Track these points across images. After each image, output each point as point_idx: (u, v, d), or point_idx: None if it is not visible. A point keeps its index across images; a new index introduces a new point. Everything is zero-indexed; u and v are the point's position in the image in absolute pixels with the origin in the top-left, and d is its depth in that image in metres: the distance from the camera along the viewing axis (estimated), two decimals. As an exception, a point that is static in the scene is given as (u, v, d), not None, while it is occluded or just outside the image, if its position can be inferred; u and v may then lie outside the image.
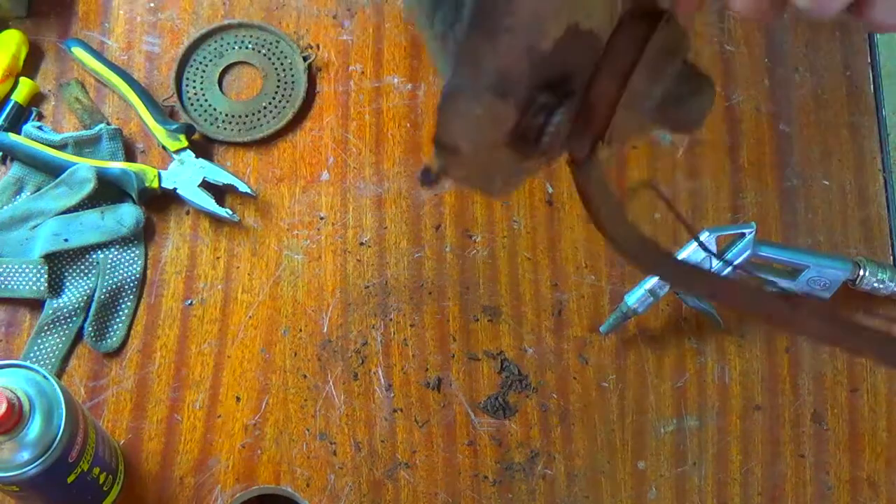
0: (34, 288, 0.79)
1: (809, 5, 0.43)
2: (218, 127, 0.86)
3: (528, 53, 0.44)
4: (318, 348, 0.81)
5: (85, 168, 0.81)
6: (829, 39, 0.91)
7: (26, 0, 0.88)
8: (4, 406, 0.60)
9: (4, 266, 0.80)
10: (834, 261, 0.79)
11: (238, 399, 0.79)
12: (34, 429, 0.62)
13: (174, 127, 0.83)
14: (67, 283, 0.81)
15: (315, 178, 0.85)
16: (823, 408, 0.81)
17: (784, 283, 0.79)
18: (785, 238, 0.85)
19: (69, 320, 0.80)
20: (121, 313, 0.80)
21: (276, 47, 0.88)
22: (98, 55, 0.86)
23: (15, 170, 0.83)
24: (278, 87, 0.87)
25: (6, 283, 0.80)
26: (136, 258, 0.82)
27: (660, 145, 0.87)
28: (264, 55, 0.88)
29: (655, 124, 0.51)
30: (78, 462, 0.65)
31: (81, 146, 0.83)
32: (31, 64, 0.87)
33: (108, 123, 0.85)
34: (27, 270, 0.80)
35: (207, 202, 0.82)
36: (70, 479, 0.66)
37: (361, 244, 0.83)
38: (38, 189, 0.83)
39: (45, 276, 0.79)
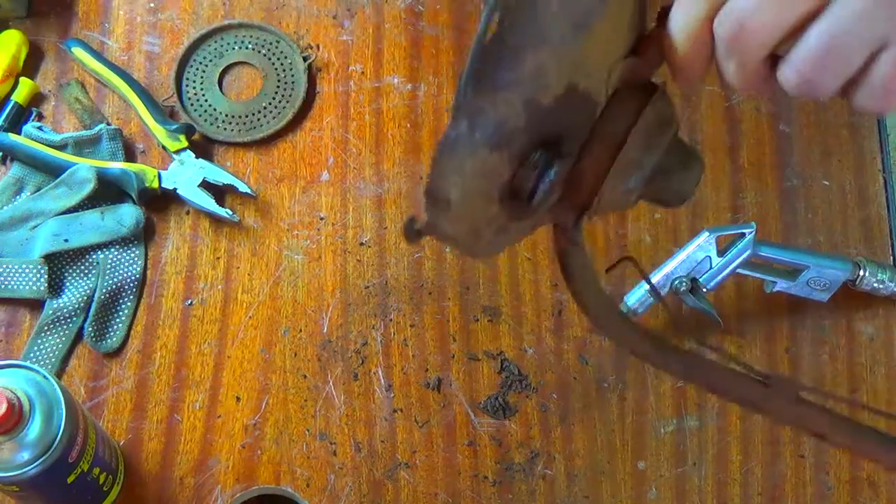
0: (34, 288, 0.79)
1: (800, 91, 0.44)
2: (218, 127, 0.86)
3: (526, 108, 0.45)
4: (318, 348, 0.81)
5: (85, 168, 0.81)
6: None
7: (26, 0, 0.88)
8: (4, 406, 0.60)
9: (4, 266, 0.80)
10: (834, 261, 0.79)
11: (238, 399, 0.79)
12: (34, 429, 0.62)
13: (174, 127, 0.83)
14: (67, 284, 0.81)
15: (315, 178, 0.85)
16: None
17: (784, 284, 0.79)
18: (785, 238, 0.85)
19: (69, 320, 0.80)
20: (121, 313, 0.80)
21: (276, 47, 0.88)
22: (98, 55, 0.86)
23: (15, 170, 0.83)
24: (278, 87, 0.87)
25: (6, 283, 0.80)
26: (136, 258, 0.82)
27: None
28: (264, 55, 0.88)
29: (643, 197, 0.51)
30: (78, 462, 0.65)
31: (81, 146, 0.83)
32: (31, 64, 0.87)
33: (108, 123, 0.85)
34: (27, 270, 0.80)
35: (207, 202, 0.82)
36: (70, 480, 0.66)
37: (361, 244, 0.83)
38: (38, 189, 0.83)
39: (45, 276, 0.79)
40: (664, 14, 0.48)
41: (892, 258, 0.86)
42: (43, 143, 0.83)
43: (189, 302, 0.81)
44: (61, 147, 0.83)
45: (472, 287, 0.82)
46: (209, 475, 0.77)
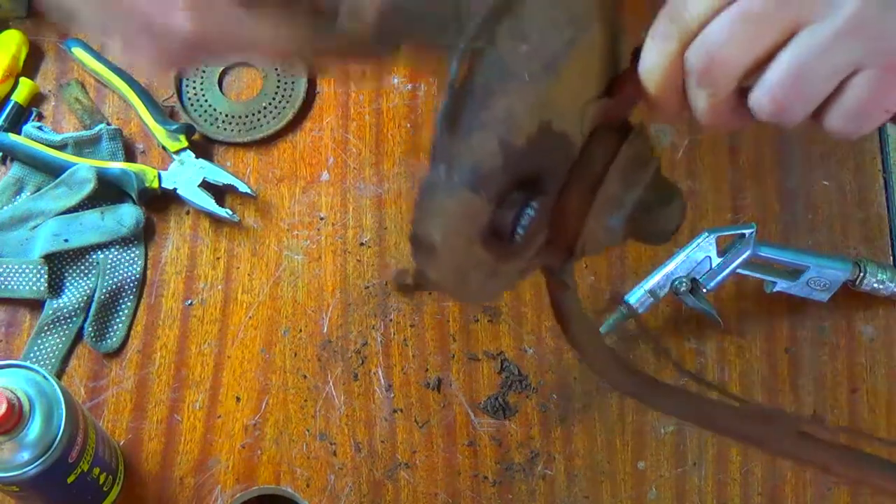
0: (34, 288, 0.79)
1: (772, 116, 0.45)
2: (218, 127, 0.86)
3: (502, 149, 0.45)
4: (318, 348, 0.81)
5: (85, 168, 0.81)
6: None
7: (26, 0, 0.88)
8: (4, 406, 0.60)
9: (4, 266, 0.80)
10: (834, 261, 0.79)
11: (238, 399, 0.79)
12: (34, 429, 0.62)
13: (174, 127, 0.83)
14: (67, 284, 0.81)
15: (315, 178, 0.85)
16: (823, 408, 0.81)
17: (784, 284, 0.79)
18: (785, 238, 0.85)
19: (69, 320, 0.80)
20: (121, 313, 0.80)
21: (276, 47, 0.88)
22: (98, 55, 0.86)
23: (15, 170, 0.83)
24: (278, 87, 0.87)
25: (6, 283, 0.80)
26: (136, 258, 0.82)
27: (659, 145, 0.87)
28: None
29: (628, 236, 0.51)
30: (78, 462, 0.65)
31: (81, 146, 0.83)
32: (31, 64, 0.87)
33: (108, 124, 0.85)
34: (27, 270, 0.80)
35: (207, 202, 0.82)
36: (70, 480, 0.66)
37: (361, 244, 0.83)
38: (38, 189, 0.83)
39: (45, 276, 0.79)
40: (636, 54, 0.49)
41: (892, 258, 0.86)
42: (43, 143, 0.83)
43: (189, 302, 0.81)
44: (61, 147, 0.83)
45: (472, 287, 0.82)
46: (209, 475, 0.77)
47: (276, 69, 0.87)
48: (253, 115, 0.86)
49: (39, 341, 0.79)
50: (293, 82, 0.87)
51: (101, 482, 0.71)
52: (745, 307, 0.83)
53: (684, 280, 0.77)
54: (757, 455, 0.79)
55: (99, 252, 0.81)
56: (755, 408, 0.53)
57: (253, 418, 0.79)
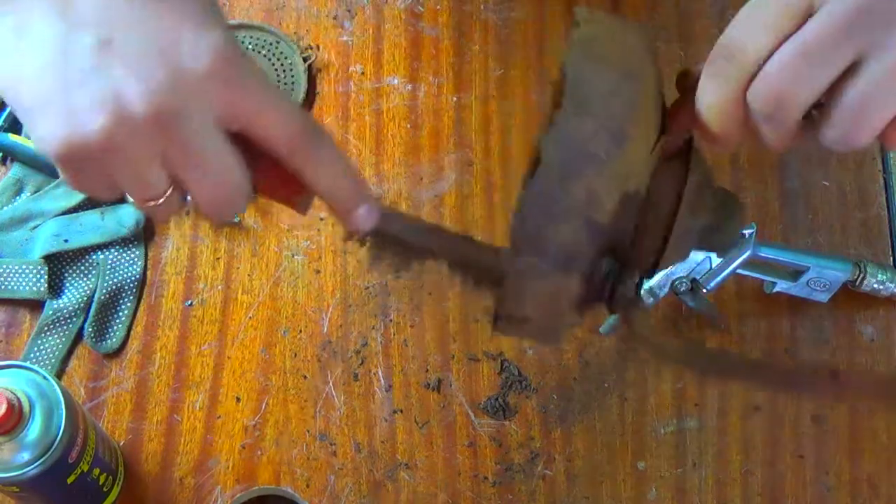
0: (34, 288, 0.79)
1: (841, 148, 0.46)
2: (218, 127, 0.86)
3: (588, 230, 0.46)
4: (318, 349, 0.81)
5: (85, 168, 0.81)
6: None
7: (26, 0, 0.88)
8: (4, 406, 0.60)
9: (4, 266, 0.80)
10: (834, 262, 0.79)
11: (238, 400, 0.79)
12: (34, 429, 0.62)
13: (174, 127, 0.83)
14: (67, 284, 0.81)
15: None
16: (823, 408, 0.81)
17: (784, 284, 0.79)
18: (785, 239, 0.85)
19: (69, 321, 0.80)
20: (121, 314, 0.80)
21: (276, 48, 0.88)
22: (98, 56, 0.86)
23: (15, 170, 0.83)
24: (278, 87, 0.87)
25: (6, 283, 0.80)
26: (136, 259, 0.82)
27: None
28: (264, 55, 0.88)
29: (698, 250, 0.54)
30: (78, 463, 0.65)
31: (81, 147, 0.83)
32: (31, 64, 0.87)
33: (108, 124, 0.85)
34: (27, 271, 0.80)
35: (207, 203, 0.82)
36: (70, 480, 0.66)
37: (361, 245, 0.83)
38: (38, 190, 0.83)
39: (45, 276, 0.79)
40: (683, 80, 0.49)
41: (892, 259, 0.86)
42: (43, 144, 0.83)
43: (189, 302, 0.81)
44: (61, 147, 0.83)
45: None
46: (209, 475, 0.77)
47: (277, 69, 0.87)
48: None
49: (39, 341, 0.79)
50: (293, 83, 0.87)
51: (101, 482, 0.71)
52: (745, 307, 0.83)
53: (684, 280, 0.77)
54: (757, 455, 0.79)
55: (99, 252, 0.81)
56: (792, 362, 0.56)
57: (253, 419, 0.79)
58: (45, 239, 0.80)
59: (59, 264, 0.81)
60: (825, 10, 0.43)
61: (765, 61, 0.44)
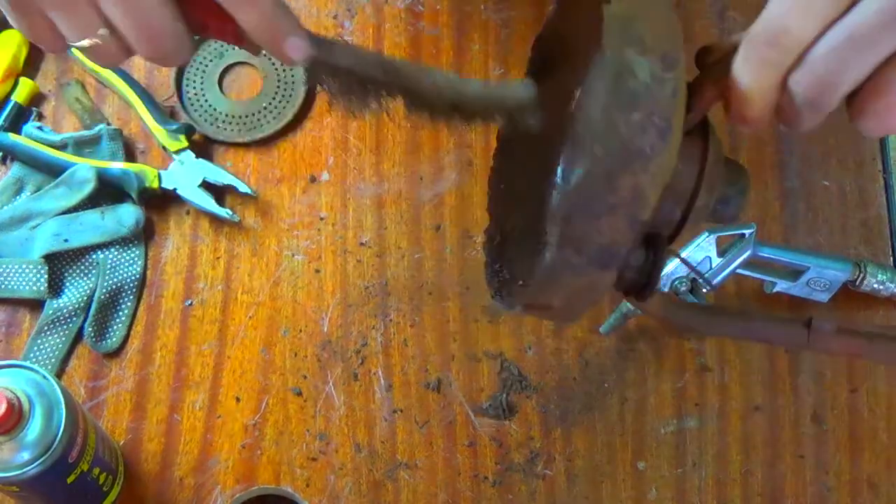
0: (34, 288, 0.79)
1: (877, 135, 0.46)
2: (218, 127, 0.86)
3: (631, 227, 0.45)
4: (318, 349, 0.81)
5: (85, 168, 0.81)
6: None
7: (26, 0, 0.88)
8: (4, 406, 0.60)
9: (4, 266, 0.80)
10: (834, 262, 0.79)
11: (238, 399, 0.79)
12: (34, 429, 0.62)
13: (174, 127, 0.83)
14: (67, 284, 0.81)
15: (315, 178, 0.85)
16: (823, 408, 0.81)
17: (784, 284, 0.79)
18: (785, 239, 0.85)
19: (69, 320, 0.80)
20: (121, 313, 0.80)
21: (277, 47, 0.88)
22: (98, 55, 0.86)
23: (15, 170, 0.83)
24: (278, 87, 0.87)
25: (6, 283, 0.80)
26: (136, 258, 0.82)
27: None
28: (264, 55, 0.88)
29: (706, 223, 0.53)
30: (78, 462, 0.65)
31: (81, 146, 0.83)
32: (31, 64, 0.87)
33: (109, 124, 0.85)
34: (27, 270, 0.80)
35: (207, 202, 0.82)
36: (70, 480, 0.66)
37: (361, 244, 0.83)
38: (39, 189, 0.83)
39: (46, 276, 0.79)
40: (705, 56, 0.48)
41: (892, 259, 0.86)
42: (43, 143, 0.83)
43: (189, 302, 0.81)
44: (61, 147, 0.83)
45: (472, 287, 0.82)
46: (209, 475, 0.77)
47: (277, 69, 0.87)
48: (253, 115, 0.86)
49: (39, 341, 0.79)
50: (293, 82, 0.87)
51: (101, 482, 0.71)
52: (745, 307, 0.83)
53: (684, 280, 0.77)
54: (757, 455, 0.79)
55: (99, 252, 0.81)
56: (798, 317, 0.56)
57: (253, 418, 0.79)
58: (45, 238, 0.80)
59: (59, 264, 0.81)
60: None
61: (809, 47, 0.43)
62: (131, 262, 0.82)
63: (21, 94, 0.85)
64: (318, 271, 0.83)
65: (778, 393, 0.81)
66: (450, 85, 0.52)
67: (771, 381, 0.81)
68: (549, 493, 0.78)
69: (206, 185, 0.82)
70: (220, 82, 0.87)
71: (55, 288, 0.80)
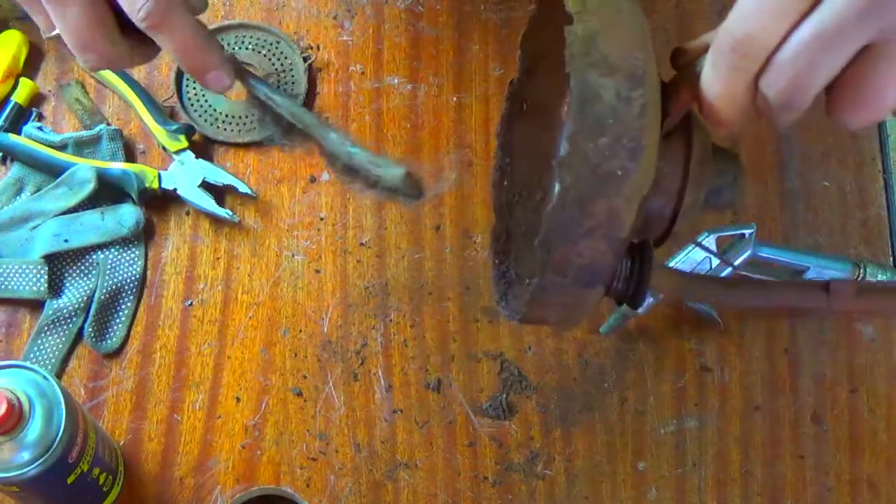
0: (34, 288, 0.79)
1: (857, 128, 0.46)
2: (218, 127, 0.86)
3: (610, 246, 0.45)
4: (318, 349, 0.81)
5: (85, 168, 0.81)
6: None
7: (26, 0, 0.88)
8: (4, 406, 0.60)
9: (4, 266, 0.80)
10: (834, 262, 0.79)
11: (238, 399, 0.79)
12: (34, 429, 0.62)
13: (174, 127, 0.83)
14: (67, 284, 0.81)
15: (315, 178, 0.85)
16: (823, 408, 0.81)
17: (784, 284, 0.79)
18: (785, 239, 0.85)
19: (69, 321, 0.80)
20: (121, 314, 0.80)
21: (276, 48, 0.88)
22: (98, 56, 0.86)
23: (15, 170, 0.83)
24: (278, 87, 0.87)
25: (6, 283, 0.80)
26: (136, 259, 0.82)
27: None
28: (264, 55, 0.88)
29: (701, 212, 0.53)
30: (78, 462, 0.65)
31: (81, 147, 0.83)
32: (31, 64, 0.87)
33: (109, 124, 0.85)
34: (27, 271, 0.80)
35: (207, 203, 0.82)
36: (70, 480, 0.66)
37: (361, 245, 0.83)
38: (39, 189, 0.83)
39: (46, 276, 0.79)
40: (679, 57, 0.48)
41: (891, 259, 0.86)
42: (43, 144, 0.83)
43: (189, 302, 0.81)
44: (61, 147, 0.83)
45: (472, 287, 0.82)
46: (209, 475, 0.77)
47: (277, 69, 0.87)
48: (253, 115, 0.86)
49: (39, 341, 0.79)
50: (293, 83, 0.87)
51: (101, 482, 0.71)
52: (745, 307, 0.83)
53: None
54: (757, 455, 0.79)
55: (99, 252, 0.81)
56: (813, 281, 0.56)
57: (253, 418, 0.79)
58: (45, 239, 0.80)
59: (59, 264, 0.81)
60: None
61: (776, 49, 0.43)
62: (131, 262, 0.82)
63: (21, 94, 0.85)
64: (318, 271, 0.83)
65: (778, 393, 0.81)
66: (343, 150, 0.55)
67: (771, 381, 0.81)
68: (548, 493, 0.78)
69: (206, 186, 0.82)
70: (220, 82, 0.87)
71: (55, 288, 0.80)
